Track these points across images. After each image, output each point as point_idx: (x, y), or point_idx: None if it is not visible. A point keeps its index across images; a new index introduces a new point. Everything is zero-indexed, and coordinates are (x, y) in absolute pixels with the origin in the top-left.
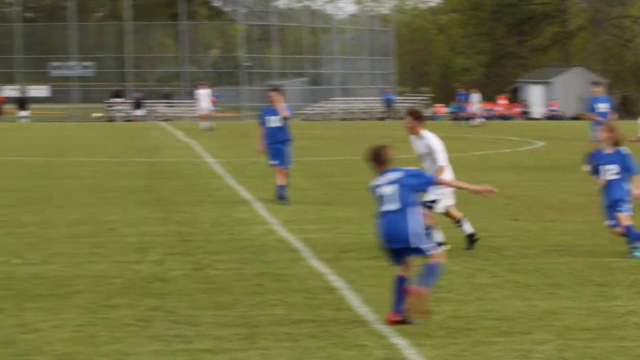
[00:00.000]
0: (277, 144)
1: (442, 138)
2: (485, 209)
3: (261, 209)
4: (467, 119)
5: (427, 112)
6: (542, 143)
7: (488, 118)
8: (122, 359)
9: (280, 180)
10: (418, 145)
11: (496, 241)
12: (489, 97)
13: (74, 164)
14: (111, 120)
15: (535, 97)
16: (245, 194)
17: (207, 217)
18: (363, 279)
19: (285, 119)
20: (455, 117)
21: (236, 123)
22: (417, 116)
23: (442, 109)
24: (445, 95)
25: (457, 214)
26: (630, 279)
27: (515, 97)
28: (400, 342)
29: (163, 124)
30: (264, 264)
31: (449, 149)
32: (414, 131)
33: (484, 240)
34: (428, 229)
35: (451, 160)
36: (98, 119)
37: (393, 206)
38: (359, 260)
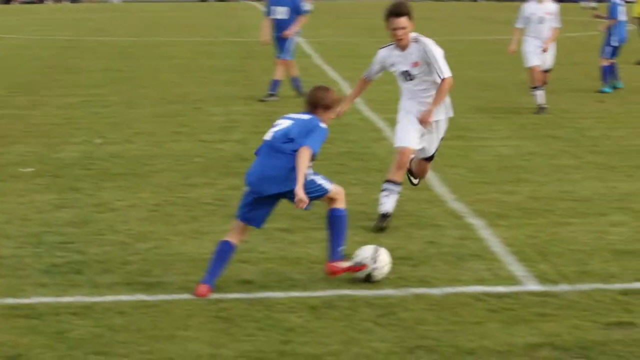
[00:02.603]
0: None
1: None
2: (570, 91)
3: (347, 88)
4: None
5: None
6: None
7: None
8: (198, 237)
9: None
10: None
11: (581, 122)
12: None
13: (165, 43)
14: (204, 0)
15: None
16: (332, 73)
17: (293, 96)
18: (444, 158)
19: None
20: None
21: (331, 3)
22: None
23: None
24: None
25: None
26: None
27: None
28: (476, 222)
29: (255, 3)
30: (346, 143)
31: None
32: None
33: (568, 121)
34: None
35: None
36: None
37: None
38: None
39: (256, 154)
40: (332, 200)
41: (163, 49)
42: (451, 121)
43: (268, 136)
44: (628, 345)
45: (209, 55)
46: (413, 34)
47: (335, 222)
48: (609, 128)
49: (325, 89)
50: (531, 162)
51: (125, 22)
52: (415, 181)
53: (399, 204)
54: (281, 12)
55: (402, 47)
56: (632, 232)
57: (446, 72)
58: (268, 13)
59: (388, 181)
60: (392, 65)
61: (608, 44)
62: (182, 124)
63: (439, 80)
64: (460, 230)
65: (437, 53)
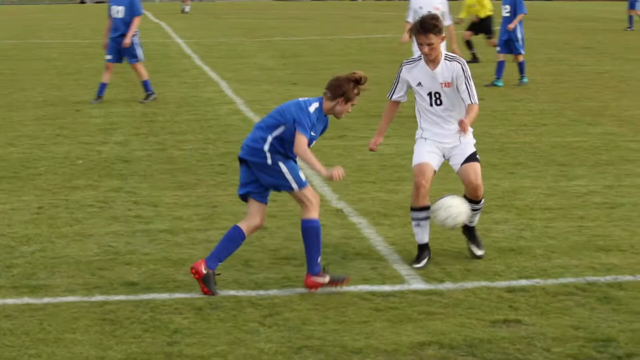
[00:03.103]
0: (119, 37)
1: None
2: None
3: (227, 89)
4: None
5: None
6: None
7: None
8: (82, 239)
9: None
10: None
11: None
12: None
13: (44, 46)
14: (82, 2)
15: None
16: (212, 74)
17: (174, 97)
18: (325, 158)
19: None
20: None
21: (209, 4)
22: None
23: None
24: None
25: None
26: (592, 159)
27: None
28: (359, 221)
29: None
30: (227, 143)
31: None
32: None
33: None
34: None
35: None
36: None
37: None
38: (321, 139)
39: None
40: (304, 207)
41: (43, 51)
42: (332, 121)
43: None
44: (514, 342)
45: (88, 57)
46: (445, 52)
47: (307, 234)
48: (490, 126)
49: (347, 80)
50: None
51: (5, 25)
52: (479, 252)
53: (282, 204)
54: (118, 12)
55: (433, 64)
56: (515, 229)
57: (476, 99)
58: (109, 13)
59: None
60: (419, 84)
61: (516, 39)
62: (63, 127)
63: (463, 105)
64: (344, 230)
65: (470, 75)
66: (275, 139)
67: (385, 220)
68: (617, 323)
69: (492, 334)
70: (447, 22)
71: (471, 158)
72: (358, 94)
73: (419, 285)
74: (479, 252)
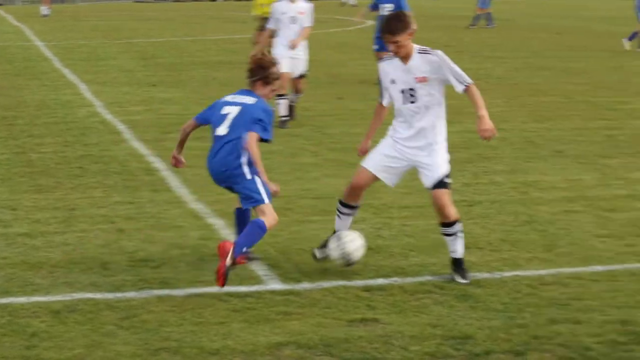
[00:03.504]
0: None
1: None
2: (310, 88)
3: (87, 92)
4: None
5: None
6: (371, 22)
7: None
8: None
9: None
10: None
11: (320, 120)
12: None
13: None
14: None
15: None
16: (72, 76)
17: (33, 100)
18: (187, 160)
19: None
20: None
21: (69, 6)
22: None
23: None
24: None
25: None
26: (450, 157)
27: None
28: (217, 222)
29: None
30: (86, 146)
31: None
32: None
33: (307, 119)
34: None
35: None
36: None
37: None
38: None
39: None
40: (263, 214)
41: None
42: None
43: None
44: (371, 341)
45: None
46: (418, 46)
47: (254, 227)
48: (349, 125)
49: (269, 62)
50: (271, 160)
51: None
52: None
53: (139, 206)
54: None
55: (406, 59)
56: (373, 228)
57: (468, 78)
58: None
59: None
60: (393, 81)
61: None
62: None
63: (439, 108)
64: (201, 231)
65: (451, 61)
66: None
67: None
68: (474, 320)
69: (350, 333)
70: (308, 23)
71: (440, 185)
72: None
73: (276, 285)
74: (462, 281)
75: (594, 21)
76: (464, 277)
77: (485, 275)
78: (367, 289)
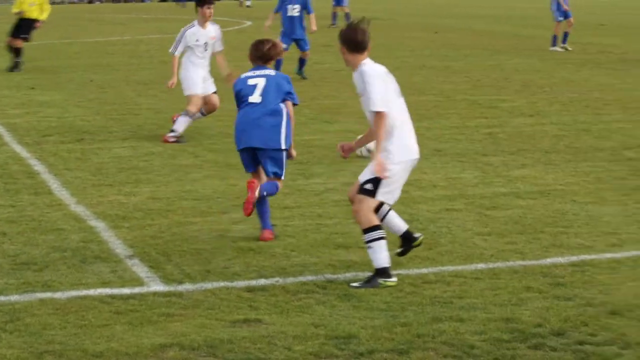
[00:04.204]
0: None
1: (149, 20)
2: None
3: None
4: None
5: None
6: (249, 22)
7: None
8: None
9: None
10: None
11: (198, 121)
12: None
13: None
14: None
15: None
16: None
17: None
18: (63, 162)
19: None
20: None
21: None
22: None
23: None
24: None
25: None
26: (330, 156)
27: None
28: (98, 225)
29: None
30: None
31: (158, 30)
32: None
33: None
34: None
35: (157, 41)
36: None
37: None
38: (60, 144)
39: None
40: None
41: None
42: (69, 124)
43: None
44: (255, 341)
45: None
46: (365, 60)
47: (272, 183)
48: (227, 126)
49: (267, 42)
50: (150, 162)
51: None
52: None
53: (20, 209)
54: None
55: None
56: (254, 229)
57: (376, 106)
58: None
59: None
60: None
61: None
62: None
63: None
64: (83, 234)
65: (372, 81)
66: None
67: (124, 222)
68: (357, 320)
69: (233, 334)
70: (219, 48)
71: (359, 190)
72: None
73: (158, 287)
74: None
75: (472, 19)
76: (371, 284)
77: (368, 274)
78: (250, 289)
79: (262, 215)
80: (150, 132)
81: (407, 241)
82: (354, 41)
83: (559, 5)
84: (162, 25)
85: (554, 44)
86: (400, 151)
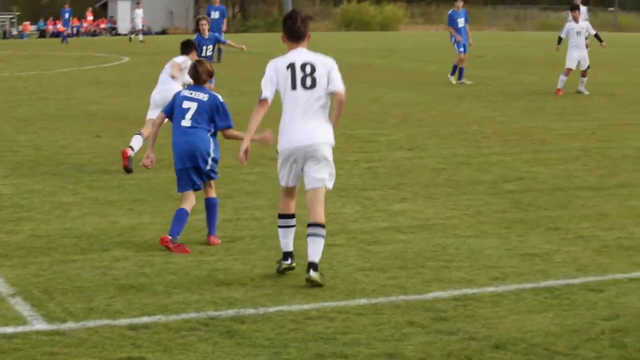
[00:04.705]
0: None
1: (28, 57)
2: (67, 126)
3: None
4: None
5: (14, 31)
6: (127, 59)
7: (73, 35)
8: None
9: None
10: None
11: (78, 158)
12: (78, 13)
13: None
14: None
15: (123, 12)
16: None
17: None
18: None
19: None
20: (44, 34)
21: None
22: None
23: (29, 27)
24: (34, 14)
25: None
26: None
27: (103, 12)
28: None
29: None
30: None
31: (36, 67)
32: None
33: (66, 157)
34: None
35: (36, 77)
36: None
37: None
38: None
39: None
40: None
41: None
42: None
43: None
44: None
45: None
46: None
47: (214, 207)
48: (107, 163)
49: (204, 63)
50: (31, 200)
51: None
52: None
53: None
54: None
55: None
56: (135, 266)
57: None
58: None
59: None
60: None
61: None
62: None
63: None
64: None
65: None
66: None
67: (6, 261)
68: (240, 357)
69: None
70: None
71: None
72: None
73: (41, 325)
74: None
75: (349, 53)
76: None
77: (250, 311)
78: (132, 327)
79: (210, 221)
80: (30, 169)
81: (284, 257)
82: (283, 29)
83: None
84: (40, 62)
85: (453, 73)
86: (281, 139)
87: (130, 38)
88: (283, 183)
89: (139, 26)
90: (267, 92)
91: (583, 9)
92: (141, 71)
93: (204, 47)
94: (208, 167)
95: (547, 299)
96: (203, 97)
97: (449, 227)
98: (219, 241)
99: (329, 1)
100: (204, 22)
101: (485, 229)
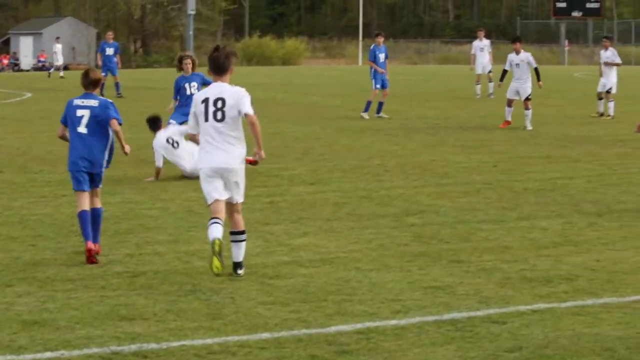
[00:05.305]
0: None
1: None
2: None
3: None
4: None
5: None
6: (29, 94)
7: None
8: None
9: None
10: None
11: None
12: None
13: None
14: None
15: (26, 48)
16: None
17: None
18: None
19: None
20: None
21: None
22: None
23: None
24: None
25: None
26: (112, 228)
27: (6, 48)
28: None
29: None
30: None
31: None
32: None
33: None
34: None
35: None
36: None
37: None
38: None
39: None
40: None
41: None
42: None
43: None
44: None
45: None
46: None
47: (100, 217)
48: (10, 199)
49: (93, 71)
50: None
51: None
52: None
53: None
54: None
55: None
56: (38, 302)
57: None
58: None
59: None
60: None
61: None
62: None
63: None
64: None
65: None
66: None
67: None
68: None
69: None
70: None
71: None
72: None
73: None
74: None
75: (251, 88)
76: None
77: (153, 345)
78: None
79: (95, 231)
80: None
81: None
82: (209, 63)
83: (375, 72)
84: None
85: (366, 109)
86: (199, 161)
87: (49, 74)
88: (208, 201)
89: (60, 61)
90: (192, 130)
91: (486, 42)
92: (44, 107)
93: (188, 85)
94: (101, 170)
95: (450, 332)
96: (94, 103)
97: (351, 260)
98: (100, 249)
99: (230, 36)
100: (188, 60)
101: (387, 262)
